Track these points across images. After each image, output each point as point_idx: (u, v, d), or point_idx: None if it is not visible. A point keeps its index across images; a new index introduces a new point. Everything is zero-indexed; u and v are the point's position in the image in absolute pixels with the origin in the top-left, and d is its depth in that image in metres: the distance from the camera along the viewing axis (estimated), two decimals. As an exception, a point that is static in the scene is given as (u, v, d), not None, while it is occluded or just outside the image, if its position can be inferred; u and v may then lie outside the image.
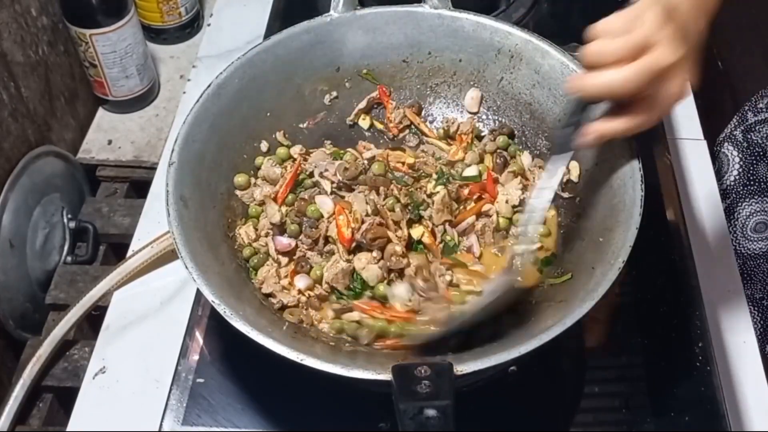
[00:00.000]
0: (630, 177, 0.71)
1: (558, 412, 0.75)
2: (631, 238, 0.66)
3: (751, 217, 1.00)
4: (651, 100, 0.63)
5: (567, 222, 0.79)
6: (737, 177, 1.00)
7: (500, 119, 0.87)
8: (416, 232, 0.76)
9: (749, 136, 0.98)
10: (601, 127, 0.66)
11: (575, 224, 0.78)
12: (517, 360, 0.61)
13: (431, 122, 0.89)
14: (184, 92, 1.08)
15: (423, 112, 0.89)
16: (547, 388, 0.76)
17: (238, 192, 0.80)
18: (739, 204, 1.01)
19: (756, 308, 0.98)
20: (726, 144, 1.02)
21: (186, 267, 0.64)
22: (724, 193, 1.01)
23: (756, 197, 0.99)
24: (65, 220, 1.03)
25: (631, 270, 0.81)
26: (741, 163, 1.00)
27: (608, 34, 0.61)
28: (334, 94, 0.87)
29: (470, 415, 0.65)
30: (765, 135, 0.96)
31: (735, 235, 1.01)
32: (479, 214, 0.80)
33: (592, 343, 0.79)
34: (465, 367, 0.58)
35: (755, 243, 1.00)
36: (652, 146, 0.91)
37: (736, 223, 1.01)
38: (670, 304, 0.80)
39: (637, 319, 0.80)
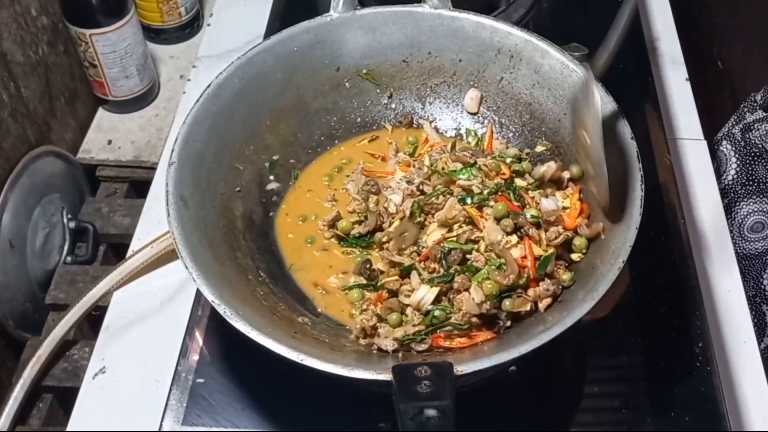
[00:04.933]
0: (630, 177, 0.71)
1: (558, 412, 0.75)
2: (631, 238, 0.66)
3: (749, 216, 0.99)
4: None
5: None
6: (735, 176, 1.00)
7: (500, 119, 0.87)
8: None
9: (747, 135, 0.98)
10: None
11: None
12: (517, 360, 0.61)
13: (431, 121, 0.89)
14: (184, 92, 1.08)
15: (423, 112, 0.89)
16: (547, 388, 0.76)
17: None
18: (737, 203, 1.01)
19: (749, 305, 0.97)
20: (724, 142, 1.02)
21: (186, 267, 0.64)
22: (723, 192, 1.01)
23: (754, 197, 0.99)
24: (65, 220, 1.03)
25: (631, 270, 0.81)
26: (738, 162, 1.00)
27: None
28: (335, 94, 0.87)
29: (470, 415, 0.65)
30: (763, 134, 0.96)
31: (732, 234, 1.01)
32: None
33: (592, 343, 0.79)
34: (465, 367, 0.58)
35: (752, 243, 1.00)
36: (652, 146, 0.91)
37: (734, 222, 1.01)
38: (670, 304, 0.80)
39: (637, 319, 0.80)
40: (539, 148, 0.84)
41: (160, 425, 0.72)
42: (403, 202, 0.77)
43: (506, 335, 0.69)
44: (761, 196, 0.99)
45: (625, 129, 0.73)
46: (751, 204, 0.99)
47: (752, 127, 0.98)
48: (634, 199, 0.69)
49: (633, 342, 0.78)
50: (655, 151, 0.91)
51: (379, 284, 0.74)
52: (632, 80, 1.01)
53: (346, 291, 0.75)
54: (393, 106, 0.89)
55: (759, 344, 0.83)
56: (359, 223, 0.79)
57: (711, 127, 1.04)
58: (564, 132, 0.80)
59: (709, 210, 0.94)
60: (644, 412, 0.73)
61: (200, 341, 0.78)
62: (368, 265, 0.75)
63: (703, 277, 0.84)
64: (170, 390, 0.74)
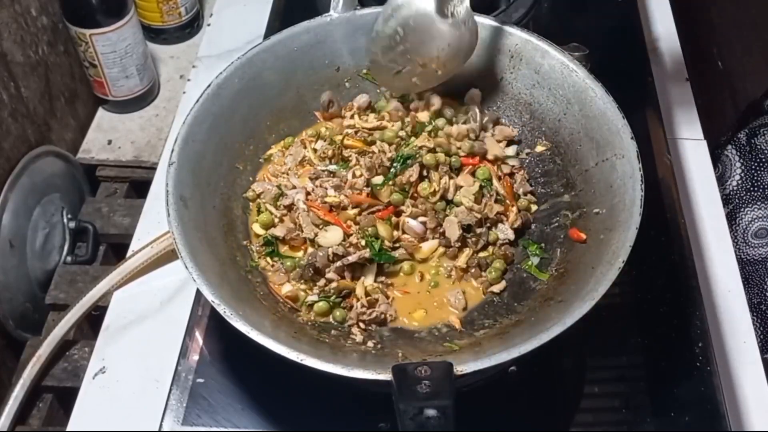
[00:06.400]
0: (630, 177, 0.71)
1: (558, 412, 0.75)
2: (631, 238, 0.66)
3: (753, 222, 1.00)
4: None
5: (567, 222, 0.79)
6: (739, 182, 1.00)
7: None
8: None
9: (753, 141, 0.98)
10: None
11: (575, 224, 0.78)
12: (517, 360, 0.61)
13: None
14: (184, 92, 1.08)
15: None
16: (547, 388, 0.76)
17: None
18: (742, 210, 1.01)
19: (754, 314, 0.97)
20: (729, 147, 1.02)
21: (186, 267, 0.64)
22: (727, 199, 1.01)
23: (759, 203, 0.99)
24: (65, 220, 1.03)
25: (631, 270, 0.81)
26: (742, 167, 1.00)
27: None
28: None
29: (470, 415, 0.65)
30: None
31: (735, 240, 1.01)
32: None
33: (592, 343, 0.79)
34: (465, 367, 0.58)
35: (756, 249, 1.00)
36: (652, 146, 0.91)
37: (738, 228, 1.01)
38: (670, 304, 0.80)
39: (637, 319, 0.80)
40: (539, 148, 0.84)
41: (160, 425, 0.72)
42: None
43: (506, 335, 0.69)
44: (766, 202, 0.99)
45: (625, 129, 0.73)
46: (756, 210, 0.99)
47: (758, 133, 0.98)
48: (634, 199, 0.69)
49: (633, 342, 0.78)
50: (655, 151, 0.91)
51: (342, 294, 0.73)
52: (632, 80, 1.00)
53: (307, 304, 0.74)
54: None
55: (763, 353, 0.83)
56: (273, 225, 0.78)
57: (711, 127, 1.04)
58: (564, 132, 0.80)
59: (709, 210, 0.94)
60: (644, 412, 0.73)
61: (200, 341, 0.78)
62: (310, 268, 0.73)
63: (703, 277, 0.84)
64: (170, 390, 0.74)
